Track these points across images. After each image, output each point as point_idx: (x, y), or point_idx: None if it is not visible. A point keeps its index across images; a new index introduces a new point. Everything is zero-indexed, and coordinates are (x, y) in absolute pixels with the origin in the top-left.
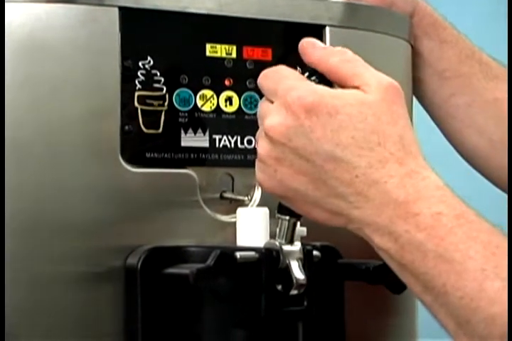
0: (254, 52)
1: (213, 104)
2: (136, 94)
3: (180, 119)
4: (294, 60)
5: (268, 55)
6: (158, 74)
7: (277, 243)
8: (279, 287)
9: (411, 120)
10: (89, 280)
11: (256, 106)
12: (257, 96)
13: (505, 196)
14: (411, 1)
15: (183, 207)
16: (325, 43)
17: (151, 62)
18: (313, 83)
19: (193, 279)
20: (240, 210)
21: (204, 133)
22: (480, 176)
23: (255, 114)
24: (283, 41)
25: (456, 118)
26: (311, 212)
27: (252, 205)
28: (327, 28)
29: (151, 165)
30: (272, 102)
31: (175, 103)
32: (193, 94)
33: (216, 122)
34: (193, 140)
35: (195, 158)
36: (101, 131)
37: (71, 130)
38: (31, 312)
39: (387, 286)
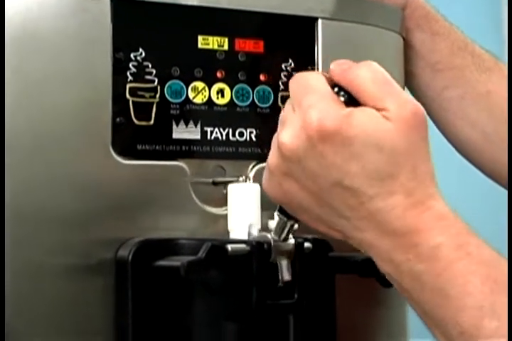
0: (246, 45)
1: (205, 96)
2: (128, 85)
3: (171, 111)
4: (285, 52)
5: (260, 47)
6: (150, 66)
7: (269, 236)
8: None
9: None
10: (79, 273)
11: (248, 98)
12: (248, 89)
13: (498, 188)
14: None
15: (174, 200)
16: (317, 36)
17: (143, 54)
18: (337, 102)
19: (184, 272)
20: (231, 186)
21: (196, 126)
22: (474, 169)
23: (247, 106)
24: (275, 33)
25: (449, 110)
26: (313, 224)
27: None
28: (319, 21)
29: (142, 157)
30: (294, 109)
31: (166, 95)
32: (184, 86)
33: (208, 114)
34: (184, 132)
35: (187, 150)
36: (92, 122)
37: (61, 121)
38: (19, 303)
39: (377, 279)
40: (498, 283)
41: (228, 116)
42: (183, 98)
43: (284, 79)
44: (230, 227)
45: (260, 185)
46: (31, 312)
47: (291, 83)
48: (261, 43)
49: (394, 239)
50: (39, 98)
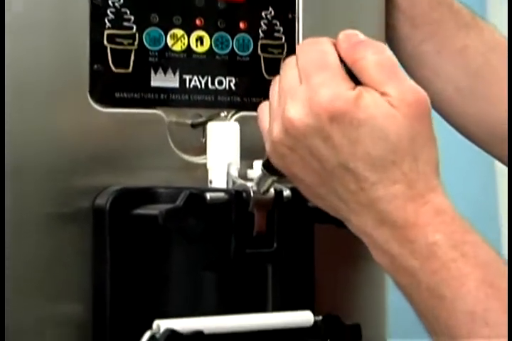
0: None
1: (184, 44)
2: (106, 32)
3: (150, 59)
4: (266, 1)
5: None
6: (128, 12)
7: (249, 185)
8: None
9: None
10: (56, 221)
11: (227, 46)
12: (228, 37)
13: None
14: None
15: (152, 148)
16: None
17: (121, 1)
18: (347, 82)
19: (162, 220)
20: (210, 125)
21: (174, 74)
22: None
23: (226, 55)
24: None
25: (426, 66)
26: (312, 199)
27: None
28: None
29: (120, 105)
30: (301, 81)
31: (145, 42)
32: (163, 34)
33: (186, 62)
34: (163, 80)
35: (165, 98)
36: (70, 70)
37: (38, 69)
38: None
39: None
40: (493, 287)
41: (207, 64)
42: (162, 45)
43: (264, 27)
44: (208, 166)
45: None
46: (8, 261)
47: (301, 50)
48: None
49: (391, 230)
50: (14, 46)
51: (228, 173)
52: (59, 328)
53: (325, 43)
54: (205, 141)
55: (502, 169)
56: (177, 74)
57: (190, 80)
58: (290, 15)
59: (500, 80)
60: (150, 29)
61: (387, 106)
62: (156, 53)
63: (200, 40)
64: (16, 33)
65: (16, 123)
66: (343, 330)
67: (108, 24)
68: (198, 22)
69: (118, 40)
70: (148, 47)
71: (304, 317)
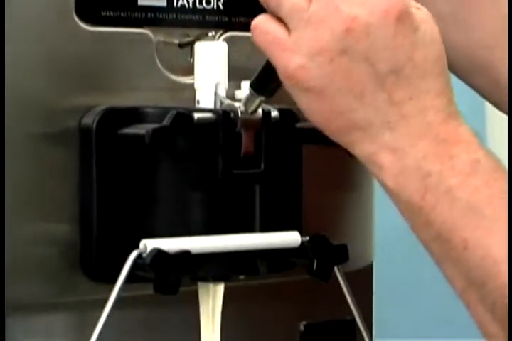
0: None
1: None
2: None
3: None
4: None
5: None
6: None
7: (236, 106)
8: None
9: None
10: (42, 141)
11: None
12: None
13: None
14: None
15: (139, 68)
16: None
17: None
18: None
19: (148, 139)
20: (198, 44)
21: None
22: None
23: None
24: None
25: None
26: (326, 119)
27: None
28: None
29: (106, 23)
30: None
31: None
32: None
33: None
34: None
35: (153, 17)
36: None
37: None
38: None
39: (345, 150)
40: None
41: None
42: None
43: None
44: (196, 86)
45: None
46: None
47: None
48: None
49: (432, 144)
50: None
51: (216, 93)
52: (46, 248)
53: None
54: (193, 60)
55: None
56: None
57: None
58: None
59: (480, 3)
60: None
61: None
62: None
63: None
64: None
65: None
66: (330, 251)
67: None
68: None
69: None
70: None
71: (291, 238)
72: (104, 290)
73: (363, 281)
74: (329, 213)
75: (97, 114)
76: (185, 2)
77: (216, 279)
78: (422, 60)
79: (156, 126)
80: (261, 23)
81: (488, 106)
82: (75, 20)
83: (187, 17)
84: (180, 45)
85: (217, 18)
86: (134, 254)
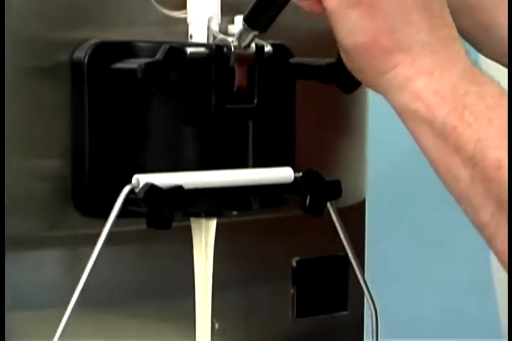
0: None
1: None
2: None
3: None
4: None
5: None
6: None
7: (230, 40)
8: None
9: None
10: (34, 75)
11: None
12: None
13: None
14: None
15: (132, 2)
16: None
17: None
18: None
19: (141, 73)
20: None
21: None
22: None
23: None
24: None
25: None
26: (375, 37)
27: None
28: None
29: None
30: None
31: None
32: None
33: None
34: None
35: None
36: None
37: None
38: None
39: (338, 85)
40: None
41: None
42: None
43: None
44: (189, 20)
45: None
46: None
47: None
48: None
49: (463, 70)
50: None
51: (209, 28)
52: (38, 183)
53: None
54: None
55: None
56: None
57: None
58: None
59: None
60: None
61: None
62: None
63: None
64: None
65: None
66: (323, 186)
67: None
68: None
69: None
70: None
71: (284, 174)
72: (96, 225)
73: (355, 218)
74: (322, 149)
75: (88, 47)
76: None
77: (209, 214)
78: None
79: (148, 60)
80: None
81: None
82: None
83: None
84: None
85: None
86: (126, 189)
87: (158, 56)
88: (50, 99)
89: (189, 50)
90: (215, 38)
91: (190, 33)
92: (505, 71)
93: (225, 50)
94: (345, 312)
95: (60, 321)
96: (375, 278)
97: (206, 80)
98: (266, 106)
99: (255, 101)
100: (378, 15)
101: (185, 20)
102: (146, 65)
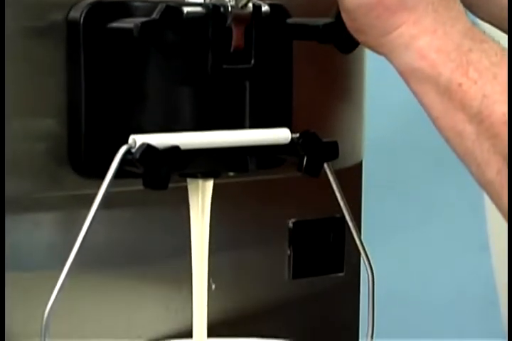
0: None
1: None
2: None
3: None
4: None
5: None
6: None
7: (227, 0)
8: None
9: None
10: (30, 35)
11: None
12: None
13: None
14: None
15: None
16: None
17: None
18: None
19: (137, 32)
20: None
21: None
22: None
23: None
24: None
25: None
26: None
27: None
28: None
29: None
30: None
31: None
32: None
33: None
34: None
35: None
36: None
37: None
38: None
39: (336, 45)
40: None
41: None
42: None
43: None
44: None
45: None
46: None
47: None
48: None
49: (465, 28)
50: None
51: None
52: (33, 143)
53: None
54: None
55: None
56: None
57: None
58: None
59: None
60: None
61: None
62: None
63: None
64: None
65: None
66: (320, 147)
67: None
68: None
69: None
70: None
71: (281, 134)
72: (93, 186)
73: (352, 179)
74: (319, 110)
75: (84, 7)
76: None
77: (205, 175)
78: None
79: (144, 19)
80: None
81: None
82: None
83: None
84: None
85: None
86: (123, 149)
87: (155, 15)
88: (46, 59)
89: (186, 9)
90: None
91: None
92: (502, 36)
93: (222, 9)
94: (341, 274)
95: (57, 281)
96: (372, 239)
97: (203, 40)
98: (263, 67)
99: (252, 61)
100: None
101: None
102: (143, 24)
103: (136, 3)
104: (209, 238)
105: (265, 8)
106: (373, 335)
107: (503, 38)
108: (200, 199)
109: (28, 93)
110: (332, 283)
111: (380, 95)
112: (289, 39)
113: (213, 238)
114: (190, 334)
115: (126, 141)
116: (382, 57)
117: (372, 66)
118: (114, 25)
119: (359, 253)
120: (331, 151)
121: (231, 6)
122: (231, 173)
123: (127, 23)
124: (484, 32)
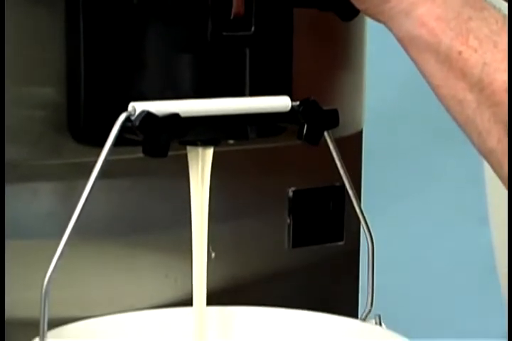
0: None
1: None
2: None
3: None
4: None
5: None
6: None
7: None
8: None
9: None
10: (29, 3)
11: None
12: None
13: None
14: None
15: None
16: None
17: None
18: None
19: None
20: None
21: None
22: None
23: None
24: None
25: None
26: None
27: None
28: None
29: None
30: None
31: None
32: None
33: None
34: None
35: None
36: None
37: None
38: None
39: (336, 13)
40: None
41: None
42: None
43: None
44: None
45: None
46: None
47: None
48: None
49: None
50: None
51: None
52: (32, 110)
53: None
54: None
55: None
56: None
57: None
58: None
59: None
60: None
61: None
62: None
63: None
64: None
65: None
66: (321, 115)
67: None
68: None
69: None
70: None
71: (281, 102)
72: (92, 154)
73: (352, 148)
74: (320, 79)
75: None
76: None
77: (205, 143)
78: None
79: None
80: None
81: None
82: None
83: None
84: None
85: None
86: (122, 116)
87: None
88: (45, 26)
89: None
90: None
91: None
92: (503, 3)
93: None
94: (341, 243)
95: (56, 249)
96: (372, 208)
97: (203, 6)
98: (263, 34)
99: (252, 28)
100: None
101: None
102: None
103: None
104: (209, 206)
105: None
106: (373, 303)
107: (503, 4)
108: (200, 167)
109: (27, 60)
110: (332, 252)
111: (381, 64)
112: (289, 6)
113: (213, 206)
114: (189, 303)
115: (125, 109)
116: (382, 26)
117: (373, 35)
118: None
119: (359, 222)
120: (332, 119)
121: None
122: (231, 141)
123: None
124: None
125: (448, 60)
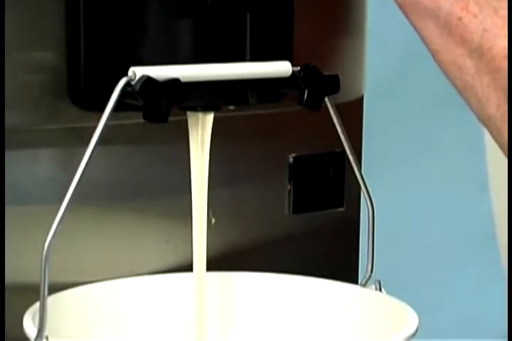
0: None
1: None
2: None
3: None
4: None
5: None
6: None
7: None
8: None
9: None
10: None
11: None
12: None
13: None
14: None
15: None
16: None
17: None
18: None
19: None
20: None
21: None
22: None
23: None
24: None
25: None
26: None
27: None
28: None
29: None
30: None
31: None
32: None
33: None
34: None
35: None
36: None
37: None
38: None
39: None
40: None
41: None
42: None
43: None
44: None
45: None
46: None
47: None
48: None
49: None
50: None
51: None
52: (31, 75)
53: None
54: None
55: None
56: None
57: None
58: None
59: None
60: None
61: None
62: None
63: None
64: None
65: None
66: (321, 80)
67: None
68: None
69: None
70: None
71: (282, 67)
72: (92, 119)
73: (353, 114)
74: (321, 44)
75: None
76: None
77: (205, 109)
78: None
79: None
80: None
81: None
82: None
83: None
84: None
85: None
86: (122, 81)
87: None
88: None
89: None
90: None
91: None
92: None
93: None
94: (341, 209)
95: (56, 215)
96: (372, 174)
97: None
98: None
99: None
100: None
101: None
102: None
103: None
104: (209, 172)
105: None
106: (373, 270)
107: None
108: (200, 133)
109: (27, 25)
110: (332, 218)
111: (382, 30)
112: None
113: (213, 172)
114: (190, 268)
115: (125, 74)
116: None
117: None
118: None
119: (359, 189)
120: (332, 84)
121: None
122: (231, 107)
123: None
124: None
125: (448, 25)
